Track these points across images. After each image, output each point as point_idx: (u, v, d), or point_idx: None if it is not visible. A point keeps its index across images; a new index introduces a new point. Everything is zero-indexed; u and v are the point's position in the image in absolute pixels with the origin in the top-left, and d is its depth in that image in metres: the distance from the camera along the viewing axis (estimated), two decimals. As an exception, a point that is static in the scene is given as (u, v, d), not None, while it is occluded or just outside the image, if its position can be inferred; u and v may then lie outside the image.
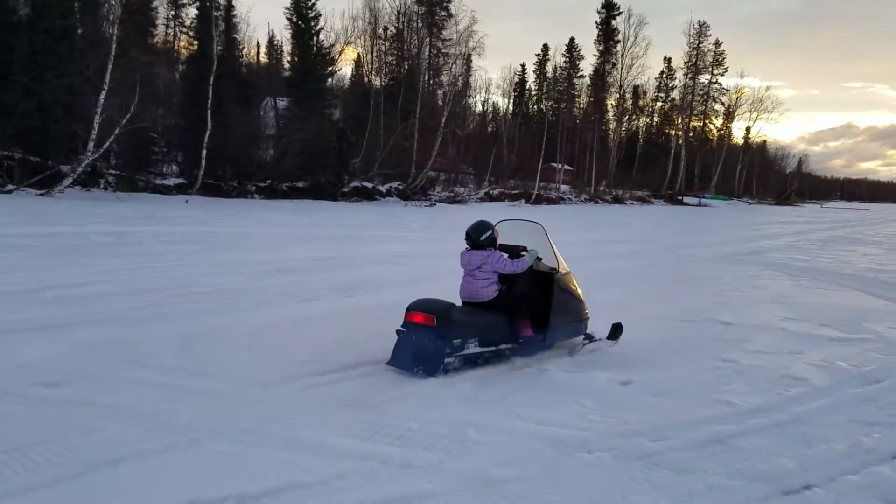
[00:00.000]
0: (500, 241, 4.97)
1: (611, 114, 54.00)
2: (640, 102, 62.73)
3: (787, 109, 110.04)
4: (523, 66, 59.16)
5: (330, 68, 32.92)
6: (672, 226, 22.93)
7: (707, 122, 62.67)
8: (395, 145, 31.67)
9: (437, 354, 4.32)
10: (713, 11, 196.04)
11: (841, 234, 21.42)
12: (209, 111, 23.75)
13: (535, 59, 58.49)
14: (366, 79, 37.32)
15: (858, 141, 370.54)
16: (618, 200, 44.89)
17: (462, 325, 4.48)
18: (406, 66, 36.32)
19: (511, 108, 54.92)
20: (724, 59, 59.82)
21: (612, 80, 49.99)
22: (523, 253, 5.08)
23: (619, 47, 49.19)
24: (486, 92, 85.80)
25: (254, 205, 21.91)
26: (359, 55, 37.16)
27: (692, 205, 49.78)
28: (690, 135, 62.37)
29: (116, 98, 20.17)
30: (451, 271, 5.24)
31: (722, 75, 60.20)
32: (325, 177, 28.48)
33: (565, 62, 55.09)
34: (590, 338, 5.37)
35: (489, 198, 37.59)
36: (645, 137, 63.31)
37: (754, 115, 64.26)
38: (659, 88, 61.32)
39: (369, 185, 31.54)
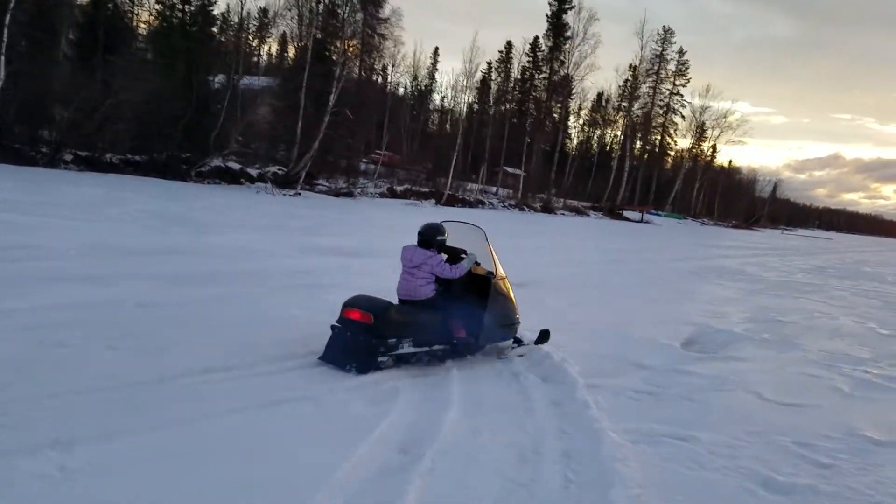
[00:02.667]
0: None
1: (572, 121, 50.32)
2: (603, 112, 59.14)
3: (750, 128, 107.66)
4: (489, 63, 55.25)
5: (207, 28, 28.90)
6: (534, 241, 18.99)
7: (665, 135, 59.23)
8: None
9: (371, 353, 4.32)
10: (709, 34, 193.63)
11: (732, 265, 17.65)
12: (3, 57, 19.60)
13: (499, 55, 54.68)
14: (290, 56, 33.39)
15: (844, 172, 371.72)
16: (547, 209, 41.03)
17: (399, 324, 4.45)
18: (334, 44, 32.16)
19: (465, 105, 50.84)
20: (687, 69, 56.49)
21: (557, 78, 46.13)
22: (462, 256, 5.07)
23: (567, 44, 45.42)
24: (451, 90, 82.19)
25: (32, 176, 17.54)
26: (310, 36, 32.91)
27: (633, 220, 46.09)
28: (648, 148, 58.94)
29: None
30: None
31: (684, 86, 56.89)
32: (168, 151, 24.32)
33: (529, 62, 51.07)
34: (518, 342, 5.45)
35: (391, 193, 33.58)
36: (615, 149, 59.57)
37: (717, 131, 61.12)
38: (621, 97, 57.55)
39: (235, 167, 27.48)
